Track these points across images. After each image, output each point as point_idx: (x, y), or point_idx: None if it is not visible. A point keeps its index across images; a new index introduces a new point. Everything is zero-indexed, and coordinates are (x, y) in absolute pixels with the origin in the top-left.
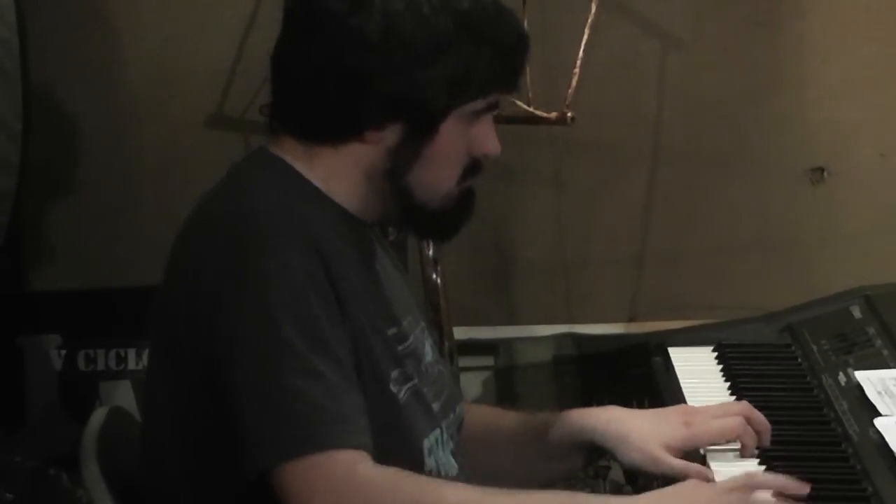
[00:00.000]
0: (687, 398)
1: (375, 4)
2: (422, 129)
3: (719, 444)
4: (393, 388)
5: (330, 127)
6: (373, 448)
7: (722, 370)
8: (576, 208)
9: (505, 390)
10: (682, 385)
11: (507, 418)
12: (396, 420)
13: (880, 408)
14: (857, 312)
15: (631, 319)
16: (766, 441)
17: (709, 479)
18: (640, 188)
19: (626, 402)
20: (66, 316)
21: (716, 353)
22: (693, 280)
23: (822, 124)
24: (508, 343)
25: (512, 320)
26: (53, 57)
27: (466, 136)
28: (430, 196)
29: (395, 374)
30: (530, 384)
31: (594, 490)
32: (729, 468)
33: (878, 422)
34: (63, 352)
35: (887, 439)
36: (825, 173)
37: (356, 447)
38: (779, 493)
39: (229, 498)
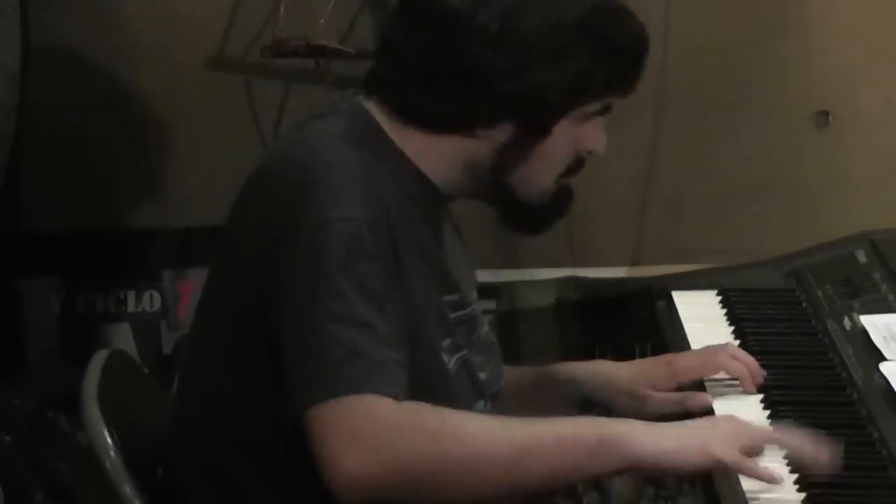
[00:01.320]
0: (691, 343)
1: (499, 2)
2: (534, 130)
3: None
4: (444, 357)
5: (436, 119)
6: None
7: (726, 314)
8: None
9: (507, 334)
10: (686, 329)
11: None
12: (444, 389)
13: (885, 352)
14: (862, 257)
15: (634, 264)
16: (758, 378)
17: (708, 405)
18: (645, 133)
19: (629, 347)
20: (66, 258)
21: (720, 298)
22: (697, 225)
23: (827, 69)
24: (511, 287)
25: (514, 264)
26: None
27: (576, 136)
28: (530, 192)
29: (446, 343)
30: (532, 328)
31: None
32: (729, 404)
33: (883, 366)
34: (62, 294)
35: (892, 384)
36: (830, 118)
37: (384, 394)
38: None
39: (273, 446)
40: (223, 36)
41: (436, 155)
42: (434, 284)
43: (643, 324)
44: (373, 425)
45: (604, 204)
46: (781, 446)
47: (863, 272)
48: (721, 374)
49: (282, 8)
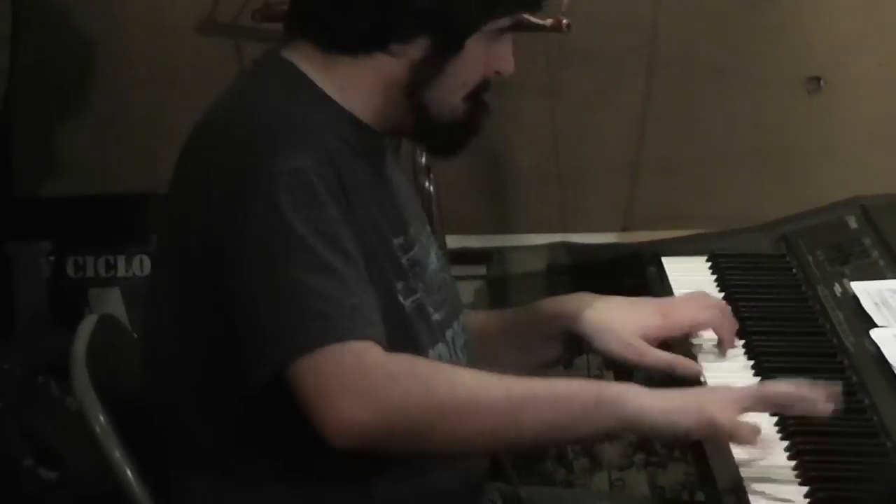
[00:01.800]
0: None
1: None
2: (448, 44)
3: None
4: (400, 299)
5: (355, 38)
6: (383, 340)
7: (716, 280)
8: (570, 117)
9: (498, 299)
10: (676, 295)
11: (476, 316)
12: (403, 330)
13: (876, 319)
14: (852, 223)
15: (625, 229)
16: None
17: (697, 372)
18: (636, 97)
19: None
20: (56, 222)
21: (710, 263)
22: (688, 190)
23: (819, 33)
24: (501, 252)
25: (505, 229)
26: None
27: (487, 53)
28: (443, 112)
29: (400, 285)
30: (523, 293)
31: None
32: (723, 379)
33: (874, 333)
34: (52, 258)
35: (883, 350)
36: (822, 83)
37: (367, 338)
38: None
39: (234, 407)
40: (214, 0)
41: (357, 85)
42: (383, 228)
43: (633, 289)
44: (365, 373)
45: (595, 169)
46: (779, 402)
47: (854, 238)
48: (710, 334)
49: None
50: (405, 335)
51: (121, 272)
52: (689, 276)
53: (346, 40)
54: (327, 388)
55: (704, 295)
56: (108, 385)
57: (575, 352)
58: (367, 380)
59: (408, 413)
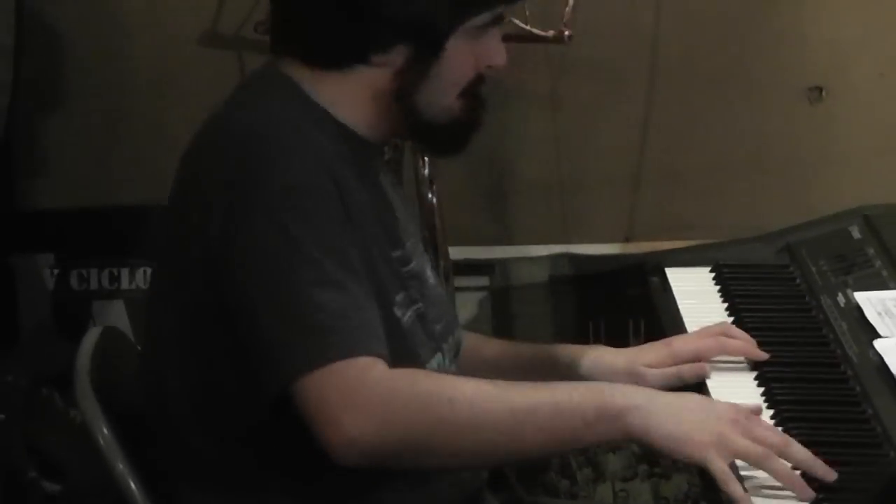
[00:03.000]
0: (684, 319)
1: None
2: (427, 49)
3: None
4: (397, 312)
5: (334, 53)
6: (388, 356)
7: (719, 290)
8: (572, 127)
9: (500, 311)
10: (680, 305)
11: (490, 345)
12: (400, 344)
13: (880, 329)
14: (856, 233)
15: (628, 239)
16: (755, 354)
17: (703, 373)
18: (637, 107)
19: (623, 323)
20: (59, 235)
21: (713, 274)
22: (690, 200)
23: (820, 42)
24: (504, 263)
25: (508, 240)
26: None
27: (473, 50)
28: (437, 112)
29: (399, 297)
30: (526, 304)
31: None
32: (728, 390)
33: (877, 343)
34: (55, 271)
35: (887, 361)
36: (823, 92)
37: (372, 354)
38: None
39: (237, 421)
40: (216, 12)
41: (347, 98)
42: (381, 240)
43: (637, 300)
44: (368, 389)
45: (597, 179)
46: (770, 473)
47: (857, 248)
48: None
49: None
50: (402, 348)
51: (124, 284)
52: (693, 286)
53: (326, 56)
54: (331, 404)
55: (709, 327)
56: (111, 397)
57: None
58: (370, 396)
59: (410, 429)
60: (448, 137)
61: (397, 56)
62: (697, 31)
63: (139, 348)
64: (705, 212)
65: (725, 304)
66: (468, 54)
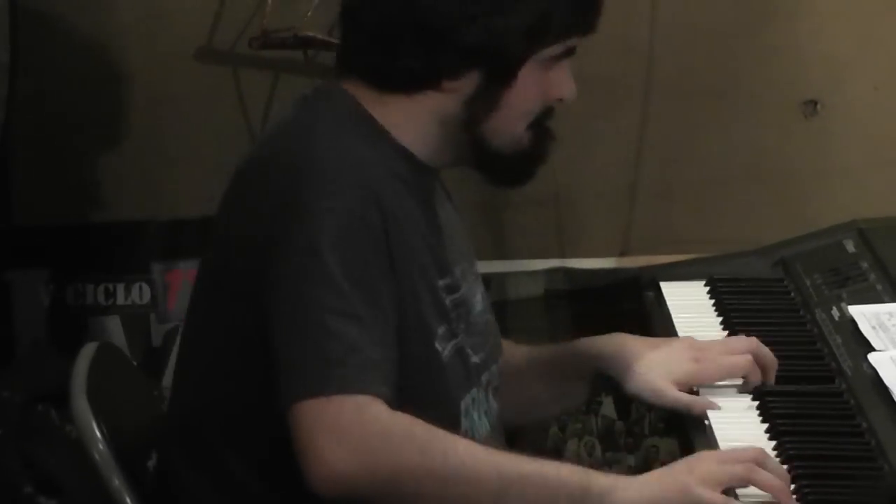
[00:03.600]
0: (679, 333)
1: None
2: (499, 77)
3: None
4: (438, 346)
5: (404, 77)
6: (392, 400)
7: (714, 305)
8: (568, 142)
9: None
10: (675, 319)
11: (516, 351)
12: (438, 379)
13: (874, 342)
14: (850, 246)
15: (623, 254)
16: (771, 378)
17: (713, 409)
18: (633, 121)
19: None
20: (55, 250)
21: (708, 288)
22: (685, 214)
23: (815, 56)
24: (500, 277)
25: (503, 255)
26: None
27: (543, 81)
28: (504, 142)
29: (441, 330)
30: (522, 319)
31: (584, 426)
32: (723, 402)
33: (871, 356)
34: (51, 286)
35: (881, 374)
36: (818, 106)
37: (374, 394)
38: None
39: (264, 436)
40: (211, 27)
41: (413, 122)
42: (429, 269)
43: (632, 314)
44: (362, 427)
45: (592, 194)
46: (756, 485)
47: (851, 261)
48: None
49: (269, 0)
50: (437, 384)
51: (120, 300)
52: (688, 300)
53: (395, 80)
54: (319, 435)
55: (739, 340)
56: (107, 413)
57: (601, 391)
58: (361, 433)
59: (396, 474)
60: (514, 168)
61: (468, 83)
62: (693, 45)
63: (137, 363)
64: (700, 226)
65: (720, 318)
66: (538, 85)
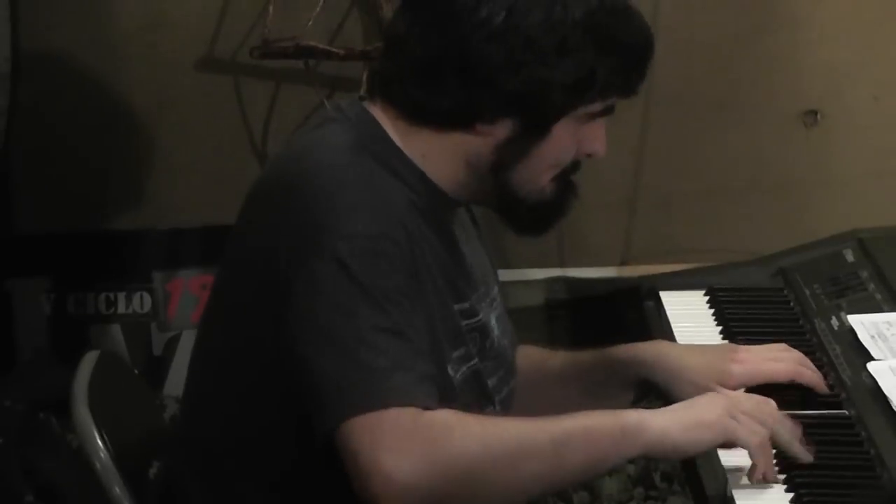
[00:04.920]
0: (679, 342)
1: None
2: (535, 127)
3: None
4: (450, 370)
5: (439, 113)
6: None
7: (714, 314)
8: None
9: None
10: (674, 329)
11: (554, 358)
12: (449, 401)
13: (873, 352)
14: (849, 256)
15: (623, 263)
16: (821, 388)
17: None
18: (633, 131)
19: None
20: (56, 259)
21: (707, 297)
22: (685, 224)
23: (815, 66)
24: (500, 287)
25: (504, 264)
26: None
27: (577, 136)
28: (529, 190)
29: (457, 353)
30: (522, 328)
31: None
32: None
33: (871, 366)
34: (52, 295)
35: (880, 383)
36: (818, 116)
37: (425, 405)
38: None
39: (278, 470)
40: (212, 37)
41: (439, 155)
42: (446, 294)
43: (632, 324)
44: (420, 433)
45: (592, 204)
46: (779, 438)
47: (850, 271)
48: None
49: (271, 9)
50: (451, 406)
51: (121, 309)
52: (687, 309)
53: (429, 115)
54: (380, 449)
55: (783, 347)
56: (108, 421)
57: (644, 398)
58: (423, 441)
59: (464, 471)
60: (534, 218)
61: (501, 129)
62: (693, 55)
63: (138, 372)
64: (700, 236)
65: (720, 328)
66: (572, 139)
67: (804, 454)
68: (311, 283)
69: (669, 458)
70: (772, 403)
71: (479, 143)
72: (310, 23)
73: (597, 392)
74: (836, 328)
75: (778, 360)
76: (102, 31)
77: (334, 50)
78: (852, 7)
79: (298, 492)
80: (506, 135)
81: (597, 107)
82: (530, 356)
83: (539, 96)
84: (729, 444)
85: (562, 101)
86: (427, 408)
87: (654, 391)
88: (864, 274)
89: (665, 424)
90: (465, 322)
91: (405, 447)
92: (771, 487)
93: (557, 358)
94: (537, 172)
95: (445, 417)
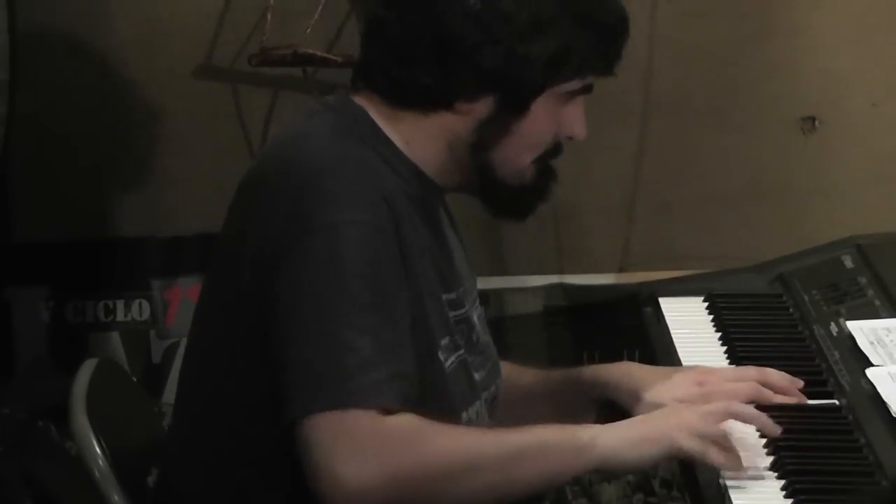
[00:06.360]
0: (678, 349)
1: None
2: (514, 105)
3: None
4: (441, 356)
5: (421, 94)
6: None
7: (713, 320)
8: (566, 158)
9: (495, 341)
10: (673, 335)
11: (525, 375)
12: (441, 389)
13: (872, 358)
14: (848, 262)
15: (621, 270)
16: (793, 396)
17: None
18: (631, 137)
19: (617, 353)
20: (55, 267)
21: (706, 304)
22: (684, 230)
23: (813, 73)
24: (499, 294)
25: (502, 271)
26: (40, 7)
27: (556, 115)
28: (509, 172)
29: (445, 341)
30: (521, 335)
31: None
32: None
33: (870, 372)
34: (51, 303)
35: (879, 389)
36: (817, 122)
37: (389, 408)
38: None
39: (274, 447)
40: (210, 45)
41: (422, 140)
42: (435, 283)
43: (631, 330)
44: (377, 439)
45: (591, 210)
46: (739, 419)
47: (849, 277)
48: None
49: (269, 16)
50: (440, 396)
51: (120, 316)
52: (686, 316)
53: (410, 96)
54: (335, 450)
55: (747, 368)
56: (107, 429)
57: (608, 418)
58: (376, 446)
59: (419, 478)
60: (515, 201)
61: (482, 106)
62: (691, 62)
63: (136, 379)
64: (699, 242)
65: (719, 334)
66: (552, 119)
67: (729, 460)
68: (295, 271)
69: (619, 473)
70: (723, 405)
71: (460, 123)
72: (308, 30)
73: (564, 410)
74: (835, 334)
75: (740, 380)
76: (101, 39)
77: (332, 57)
78: (850, 14)
79: (293, 482)
80: (486, 113)
81: (575, 84)
82: (503, 371)
83: (517, 72)
84: (684, 456)
85: (540, 77)
86: (392, 410)
87: (619, 411)
88: (863, 280)
89: (614, 441)
90: (452, 313)
91: (359, 452)
92: (769, 493)
93: (528, 375)
94: (517, 152)
95: (405, 425)
